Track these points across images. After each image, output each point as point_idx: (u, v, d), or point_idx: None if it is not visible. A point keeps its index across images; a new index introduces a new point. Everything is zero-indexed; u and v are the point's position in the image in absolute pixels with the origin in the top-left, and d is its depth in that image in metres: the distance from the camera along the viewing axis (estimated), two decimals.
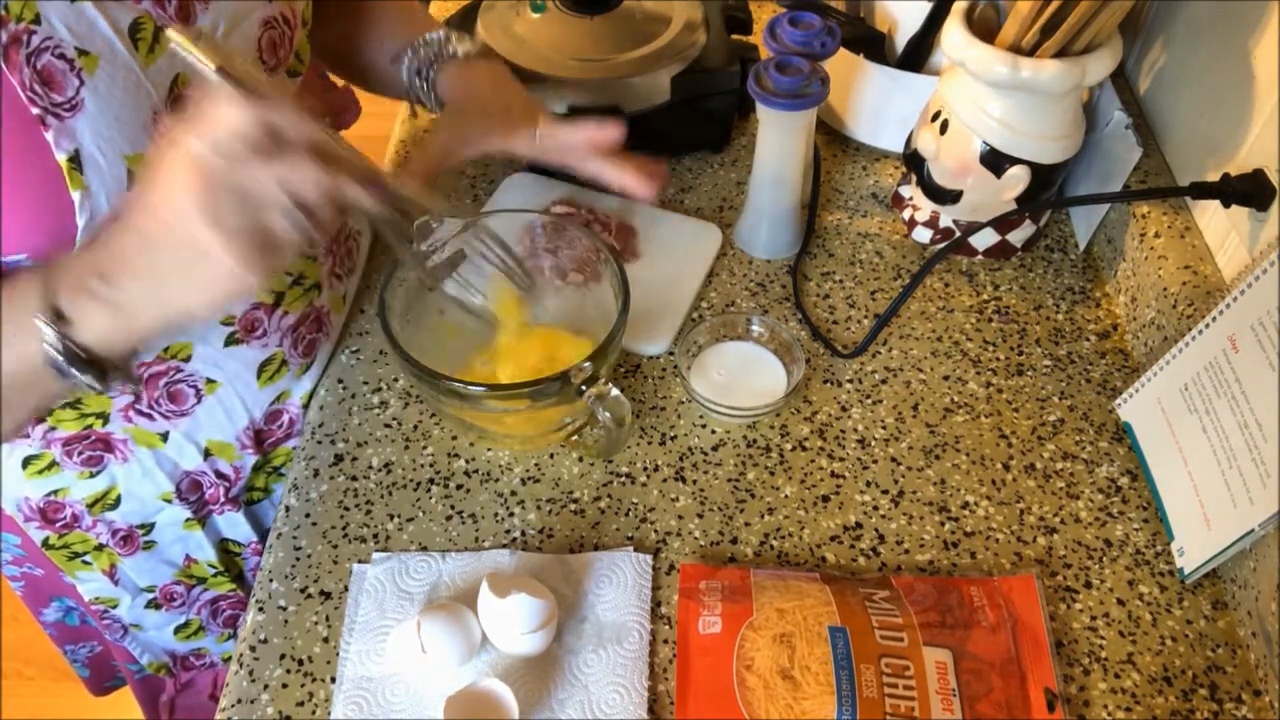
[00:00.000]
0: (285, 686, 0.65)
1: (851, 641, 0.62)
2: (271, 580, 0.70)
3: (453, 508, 0.74)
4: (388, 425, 0.79)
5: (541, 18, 0.96)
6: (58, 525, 0.79)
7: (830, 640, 0.62)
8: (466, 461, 0.77)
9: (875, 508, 0.74)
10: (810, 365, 0.83)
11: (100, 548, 0.81)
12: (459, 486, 0.76)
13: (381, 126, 0.98)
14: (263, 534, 0.87)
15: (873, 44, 0.99)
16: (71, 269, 0.54)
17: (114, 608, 0.87)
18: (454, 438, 0.78)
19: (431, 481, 0.76)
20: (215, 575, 0.87)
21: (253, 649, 0.67)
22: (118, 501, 0.78)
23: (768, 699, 0.61)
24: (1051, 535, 0.73)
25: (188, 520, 0.81)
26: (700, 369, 0.81)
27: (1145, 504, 0.74)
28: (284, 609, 0.69)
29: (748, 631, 0.64)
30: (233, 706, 0.64)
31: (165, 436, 0.75)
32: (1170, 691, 0.65)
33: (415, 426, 0.79)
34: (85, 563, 0.83)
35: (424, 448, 0.78)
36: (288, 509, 0.74)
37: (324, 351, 0.82)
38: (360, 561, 0.71)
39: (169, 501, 0.79)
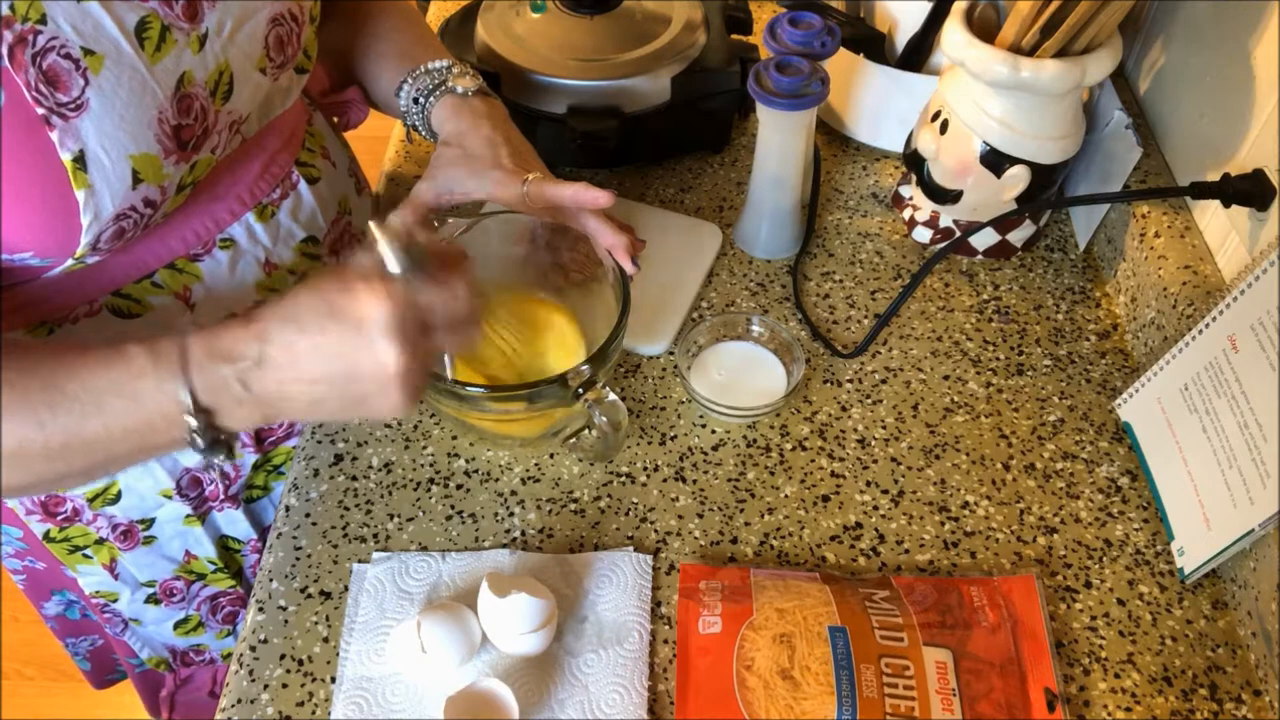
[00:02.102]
0: (285, 686, 0.65)
1: (851, 641, 0.62)
2: (271, 580, 0.70)
3: (453, 508, 0.74)
4: (388, 425, 0.79)
5: (541, 18, 0.96)
6: (59, 519, 0.79)
7: (830, 640, 0.62)
8: (466, 461, 0.77)
9: (875, 508, 0.74)
10: (810, 365, 0.83)
11: (100, 542, 0.81)
12: (459, 486, 0.76)
13: (382, 126, 0.97)
14: (262, 531, 0.87)
15: (873, 44, 0.99)
16: (213, 370, 0.55)
17: (114, 602, 0.88)
18: (454, 438, 0.78)
19: (431, 481, 0.76)
20: (215, 572, 0.87)
21: (253, 649, 0.67)
22: (118, 497, 0.78)
23: (768, 699, 0.61)
24: (1051, 535, 0.73)
25: (187, 516, 0.81)
26: (700, 369, 0.81)
27: (1145, 504, 0.74)
28: (284, 609, 0.69)
29: (748, 631, 0.64)
30: (233, 706, 0.64)
31: None
32: (1170, 691, 0.65)
33: (415, 426, 0.79)
34: (86, 556, 0.83)
35: (424, 448, 0.78)
36: (288, 509, 0.74)
37: None
38: (360, 561, 0.71)
39: (169, 498, 0.79)
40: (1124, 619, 0.68)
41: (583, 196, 0.71)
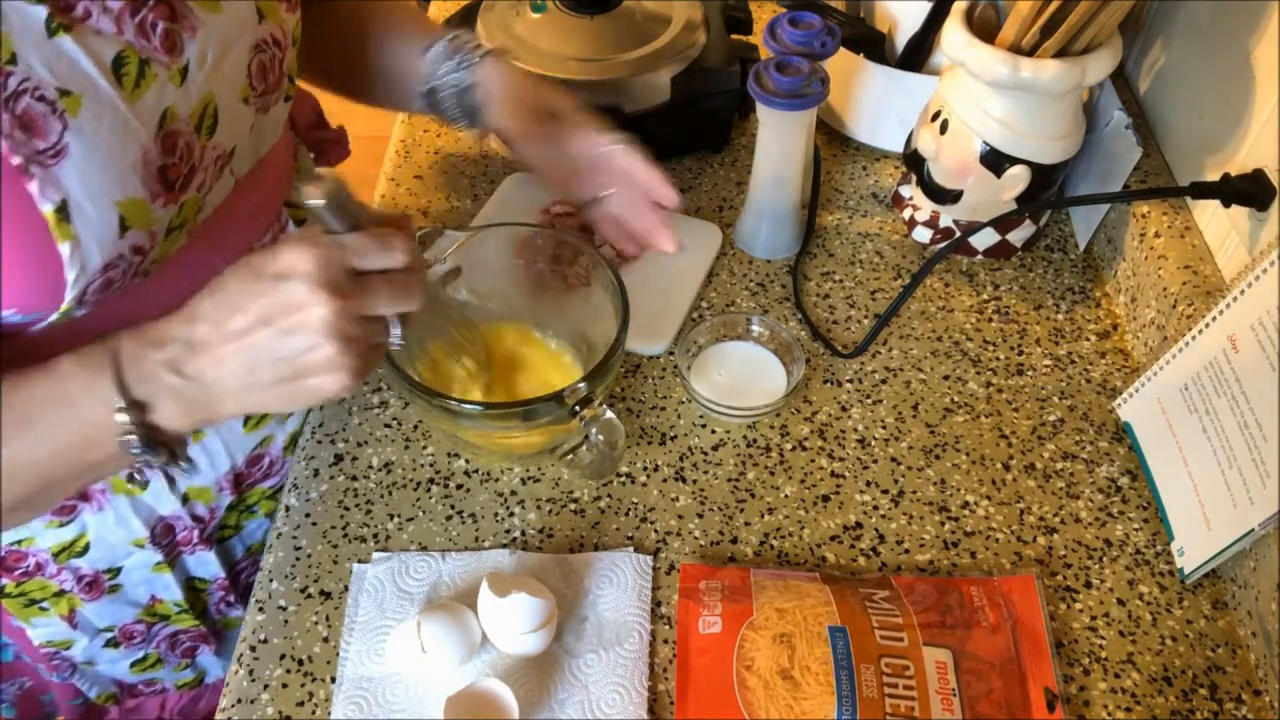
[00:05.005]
0: (285, 686, 0.65)
1: (851, 641, 0.62)
2: (271, 580, 0.70)
3: (453, 507, 0.74)
4: (388, 425, 0.79)
5: (541, 18, 0.96)
6: (16, 574, 0.74)
7: (830, 640, 0.62)
8: (466, 461, 0.77)
9: (875, 507, 0.74)
10: (810, 365, 0.83)
11: (61, 593, 0.77)
12: (459, 486, 0.76)
13: (382, 126, 0.98)
14: (230, 570, 0.84)
15: (873, 44, 0.99)
16: (143, 358, 0.53)
17: (67, 649, 0.83)
18: (454, 438, 0.78)
19: (431, 481, 0.76)
20: (179, 613, 0.83)
21: (253, 649, 0.67)
22: (86, 549, 0.74)
23: (768, 699, 0.61)
24: (1051, 535, 0.73)
25: (157, 564, 0.77)
26: (700, 369, 0.81)
27: (1145, 504, 0.74)
28: (284, 609, 0.69)
29: (748, 631, 0.64)
30: (233, 706, 0.64)
31: (146, 484, 0.72)
32: (1170, 691, 0.65)
33: (415, 426, 0.79)
34: (42, 609, 0.78)
35: (424, 448, 0.78)
36: (288, 509, 0.74)
37: None
38: (360, 561, 0.71)
39: (141, 546, 0.76)
40: (1124, 619, 0.68)
41: (659, 190, 0.70)
